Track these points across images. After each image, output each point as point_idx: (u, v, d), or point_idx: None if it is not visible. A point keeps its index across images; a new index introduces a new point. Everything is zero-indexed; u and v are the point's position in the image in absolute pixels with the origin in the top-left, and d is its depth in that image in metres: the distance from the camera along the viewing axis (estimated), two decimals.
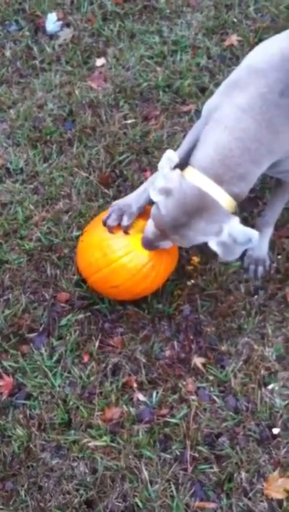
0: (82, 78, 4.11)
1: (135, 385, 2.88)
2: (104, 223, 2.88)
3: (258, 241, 2.48)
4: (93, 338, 3.04)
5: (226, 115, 2.49)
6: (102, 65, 4.18)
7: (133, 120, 3.82)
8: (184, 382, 2.89)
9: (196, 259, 3.26)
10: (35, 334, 3.06)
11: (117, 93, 4.01)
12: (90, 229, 3.01)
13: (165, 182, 2.51)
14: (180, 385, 2.89)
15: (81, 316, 3.09)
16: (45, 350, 2.98)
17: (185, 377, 2.91)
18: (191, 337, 3.01)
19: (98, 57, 4.22)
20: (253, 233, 2.46)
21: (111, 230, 2.87)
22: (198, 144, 2.54)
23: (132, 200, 2.88)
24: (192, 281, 3.19)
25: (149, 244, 2.74)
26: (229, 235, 2.47)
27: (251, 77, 2.51)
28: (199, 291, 3.14)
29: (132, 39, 4.25)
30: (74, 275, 3.20)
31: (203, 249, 3.11)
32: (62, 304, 3.15)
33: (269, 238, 3.20)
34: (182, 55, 4.13)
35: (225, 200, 2.46)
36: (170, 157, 2.53)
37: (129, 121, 3.82)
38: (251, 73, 2.52)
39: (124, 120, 3.83)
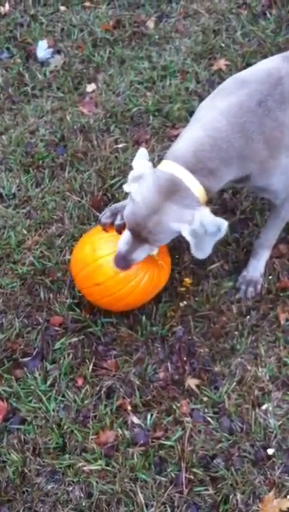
0: (73, 104, 4.09)
1: (129, 407, 2.83)
2: (100, 221, 2.90)
3: (226, 230, 2.55)
4: (87, 361, 2.99)
5: (205, 115, 2.64)
6: (93, 91, 4.18)
7: (124, 144, 3.79)
8: (178, 404, 2.84)
9: (188, 280, 3.23)
10: (29, 358, 3.02)
11: (108, 118, 3.99)
12: (89, 230, 3.08)
13: (138, 171, 2.61)
14: (174, 406, 2.84)
15: (75, 339, 3.05)
16: (39, 374, 2.93)
17: (179, 399, 2.86)
18: (185, 358, 2.97)
19: (89, 83, 4.22)
20: (222, 222, 2.54)
21: (105, 227, 2.89)
22: (176, 139, 2.68)
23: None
24: (184, 302, 3.16)
25: (122, 258, 2.70)
26: (200, 223, 2.50)
27: (235, 87, 2.65)
28: (192, 312, 3.11)
29: (122, 65, 4.24)
30: (67, 298, 3.16)
31: (195, 270, 3.08)
32: (56, 328, 3.11)
33: (265, 261, 3.18)
34: (171, 79, 4.12)
35: (196, 187, 2.54)
36: (142, 153, 2.69)
37: (120, 146, 3.80)
38: (237, 83, 2.67)
39: (115, 144, 3.81)
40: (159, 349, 3.03)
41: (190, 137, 2.61)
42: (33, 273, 3.30)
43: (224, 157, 2.57)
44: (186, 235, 2.53)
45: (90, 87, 4.19)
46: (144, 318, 3.10)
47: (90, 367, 2.97)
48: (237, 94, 2.61)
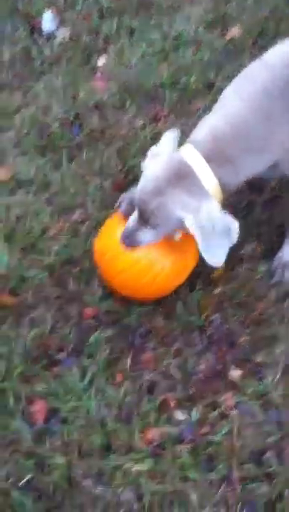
0: (85, 79, 3.95)
1: (173, 403, 2.72)
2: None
3: (237, 234, 2.48)
4: (125, 355, 2.88)
5: (227, 102, 2.57)
6: (104, 65, 4.03)
7: (141, 122, 3.65)
8: (223, 398, 2.74)
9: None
10: (65, 354, 2.90)
11: (123, 93, 3.85)
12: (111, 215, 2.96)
13: (157, 148, 2.59)
14: (219, 400, 2.72)
15: (110, 332, 2.94)
16: (77, 371, 2.82)
17: (223, 392, 2.77)
18: (225, 348, 2.87)
19: (99, 56, 4.08)
20: (232, 221, 2.47)
21: (124, 218, 2.76)
22: (198, 125, 2.61)
23: None
24: (219, 289, 3.03)
25: (127, 235, 2.62)
26: (208, 217, 2.41)
27: (261, 71, 2.53)
28: (227, 299, 3.00)
29: (132, 36, 4.12)
30: (98, 288, 3.04)
31: (228, 255, 2.96)
32: (89, 321, 2.99)
33: None
34: (185, 50, 3.96)
35: (209, 177, 2.46)
36: (171, 134, 2.66)
37: (137, 123, 3.64)
38: (262, 67, 2.55)
39: (132, 122, 3.65)
40: (198, 339, 2.91)
41: (211, 124, 2.54)
42: (60, 263, 3.16)
43: (247, 146, 2.49)
44: (190, 225, 2.43)
45: (101, 61, 4.04)
46: (179, 306, 2.97)
47: (129, 361, 2.86)
48: (261, 80, 2.51)
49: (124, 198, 2.84)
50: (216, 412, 2.73)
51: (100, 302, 3.03)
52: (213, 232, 2.48)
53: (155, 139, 3.52)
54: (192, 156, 2.50)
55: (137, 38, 4.14)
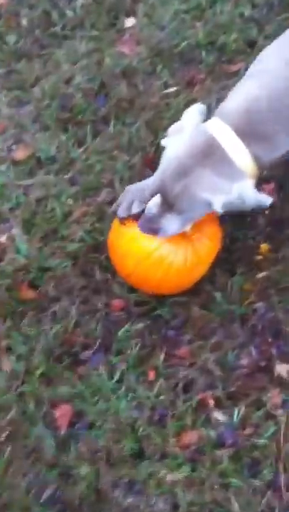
0: (111, 43, 3.91)
1: (212, 402, 2.70)
2: (117, 215, 2.75)
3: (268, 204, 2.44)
4: (157, 349, 2.88)
5: (267, 66, 2.47)
6: (133, 26, 3.98)
7: (175, 88, 3.63)
8: (269, 395, 2.71)
9: (265, 246, 3.08)
10: (91, 351, 2.91)
11: (154, 57, 3.79)
12: None
13: (180, 123, 2.52)
14: (264, 398, 2.69)
15: (140, 325, 2.94)
16: (105, 370, 2.83)
17: (269, 389, 2.75)
18: (270, 340, 2.83)
19: (127, 16, 4.02)
20: (266, 200, 2.46)
21: (122, 222, 2.73)
22: (229, 94, 2.53)
23: (147, 184, 2.71)
24: (263, 273, 2.99)
25: (147, 220, 2.58)
26: (239, 196, 2.39)
27: None
28: (273, 284, 2.97)
29: None
30: None
31: (273, 234, 2.94)
32: (118, 313, 2.99)
33: None
34: (222, 5, 3.90)
35: (242, 155, 2.41)
36: (198, 108, 2.59)
37: (170, 90, 3.61)
38: None
39: (164, 89, 3.62)
40: (239, 331, 2.89)
41: (244, 94, 2.46)
42: (85, 250, 3.16)
43: (283, 122, 2.42)
44: (218, 207, 2.42)
45: (129, 22, 4.00)
46: (218, 294, 2.95)
47: (162, 356, 2.86)
48: None
49: (124, 195, 2.79)
50: (260, 412, 2.72)
51: (129, 292, 3.02)
52: (243, 205, 2.48)
53: (190, 106, 3.47)
54: (221, 130, 2.45)
55: None
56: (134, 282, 2.93)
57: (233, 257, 3.04)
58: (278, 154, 2.49)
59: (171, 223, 2.59)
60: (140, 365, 2.86)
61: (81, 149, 3.52)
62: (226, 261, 3.02)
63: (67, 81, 3.79)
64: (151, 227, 2.59)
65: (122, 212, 2.75)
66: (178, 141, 2.51)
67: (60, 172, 3.45)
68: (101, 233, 3.17)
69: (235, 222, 3.03)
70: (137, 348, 2.89)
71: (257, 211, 2.55)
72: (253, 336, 2.91)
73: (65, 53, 3.91)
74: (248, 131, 2.43)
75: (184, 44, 3.82)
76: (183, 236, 2.73)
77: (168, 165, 2.50)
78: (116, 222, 2.86)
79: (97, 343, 2.91)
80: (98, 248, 3.16)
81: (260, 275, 3.04)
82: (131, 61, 3.79)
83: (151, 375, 2.83)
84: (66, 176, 3.43)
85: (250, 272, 3.03)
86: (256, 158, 2.45)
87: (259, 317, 2.93)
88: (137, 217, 2.69)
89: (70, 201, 3.33)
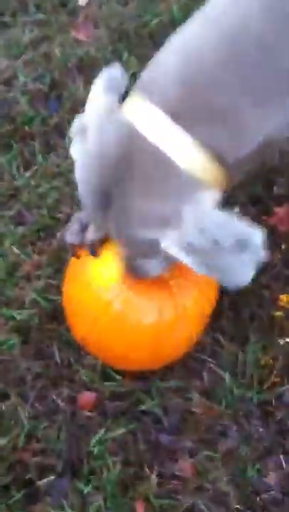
0: (62, 29, 3.19)
1: None
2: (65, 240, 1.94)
3: (263, 243, 1.52)
4: (146, 468, 2.04)
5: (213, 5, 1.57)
6: (88, 4, 3.28)
7: None
8: None
9: (285, 298, 2.26)
10: (52, 478, 2.04)
11: (117, 42, 3.08)
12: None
13: (84, 117, 1.66)
14: None
15: (120, 429, 2.10)
16: (71, 507, 1.97)
17: None
18: None
19: None
20: (253, 233, 1.52)
21: (74, 249, 1.94)
22: (157, 54, 1.60)
23: None
24: (286, 339, 2.14)
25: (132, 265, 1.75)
26: (196, 225, 1.49)
27: None
28: None
29: None
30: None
31: None
32: (87, 413, 2.14)
33: None
34: None
35: (189, 152, 1.49)
36: (108, 74, 1.70)
37: None
38: None
39: (134, 82, 2.78)
40: (260, 428, 2.06)
41: (183, 49, 1.54)
42: (39, 319, 2.33)
43: (246, 88, 1.48)
44: (174, 251, 1.54)
45: (83, 0, 3.29)
46: (226, 375, 2.15)
47: (154, 478, 2.02)
48: None
49: (75, 218, 1.95)
50: None
51: (102, 380, 2.19)
52: (217, 248, 1.53)
53: None
54: (147, 116, 1.52)
55: None
56: (92, 349, 2.12)
57: (241, 316, 2.24)
58: (250, 144, 1.56)
59: (150, 265, 1.74)
60: (123, 495, 2.01)
61: (28, 173, 2.73)
62: (232, 322, 2.23)
63: (8, 82, 3.05)
64: (137, 273, 1.78)
65: (72, 237, 1.94)
66: (84, 152, 1.62)
67: (2, 208, 2.65)
68: (60, 292, 2.31)
69: None
70: (118, 468, 2.04)
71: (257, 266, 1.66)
72: (280, 436, 2.09)
73: (5, 46, 3.16)
74: (193, 110, 1.50)
75: (154, 22, 3.12)
76: (158, 281, 1.89)
77: (84, 191, 1.66)
78: (69, 262, 2.11)
79: (61, 464, 2.03)
80: (57, 315, 2.32)
81: (282, 341, 2.21)
82: (88, 50, 3.07)
83: (140, 509, 1.98)
84: (10, 213, 2.63)
85: (268, 338, 2.22)
86: (218, 155, 1.52)
87: (287, 406, 2.11)
88: (92, 246, 1.90)
89: (16, 249, 2.49)
